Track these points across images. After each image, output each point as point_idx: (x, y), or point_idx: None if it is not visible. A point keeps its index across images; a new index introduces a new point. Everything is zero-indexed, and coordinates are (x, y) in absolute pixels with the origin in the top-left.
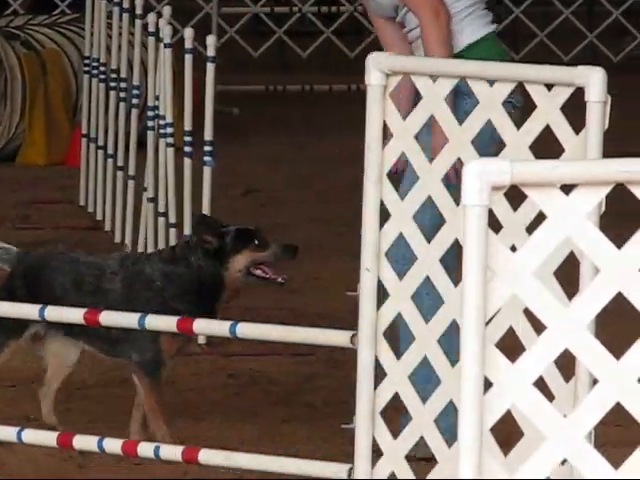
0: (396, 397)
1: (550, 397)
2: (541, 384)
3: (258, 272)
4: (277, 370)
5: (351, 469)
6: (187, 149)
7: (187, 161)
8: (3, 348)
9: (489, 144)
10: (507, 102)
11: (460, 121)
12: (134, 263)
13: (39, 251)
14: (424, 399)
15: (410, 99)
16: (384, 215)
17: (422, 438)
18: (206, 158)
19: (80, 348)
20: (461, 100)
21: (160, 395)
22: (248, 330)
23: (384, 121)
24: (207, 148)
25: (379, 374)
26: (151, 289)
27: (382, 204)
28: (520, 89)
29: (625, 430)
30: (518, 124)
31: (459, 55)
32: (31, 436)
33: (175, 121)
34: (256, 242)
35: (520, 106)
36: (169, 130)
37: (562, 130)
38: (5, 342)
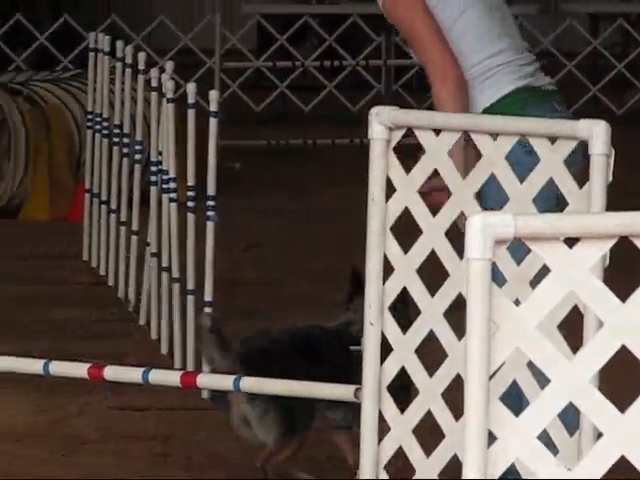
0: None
1: (554, 451)
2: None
3: None
4: None
5: None
6: (190, 204)
7: (190, 216)
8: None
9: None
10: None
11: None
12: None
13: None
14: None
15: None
16: (387, 269)
17: None
18: (209, 213)
19: None
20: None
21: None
22: (251, 384)
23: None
24: (210, 203)
25: (383, 428)
26: None
27: (385, 258)
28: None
29: None
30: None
31: None
32: None
33: (178, 176)
34: None
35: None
36: (172, 185)
37: (565, 183)
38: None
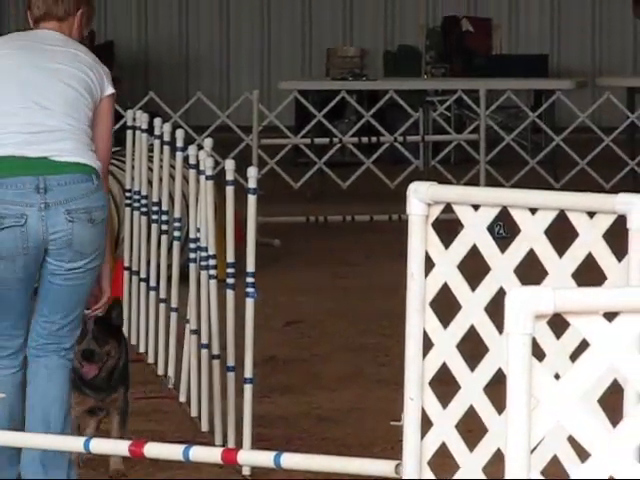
0: None
1: None
2: None
3: None
4: None
5: None
6: (229, 281)
7: (230, 293)
8: None
9: None
10: None
11: None
12: None
13: None
14: None
15: None
16: (427, 344)
17: None
18: (248, 289)
19: None
20: None
21: None
22: (292, 461)
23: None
24: (249, 280)
25: None
26: None
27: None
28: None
29: None
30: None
31: None
32: None
33: (217, 253)
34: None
35: None
36: (211, 262)
37: (604, 258)
38: None
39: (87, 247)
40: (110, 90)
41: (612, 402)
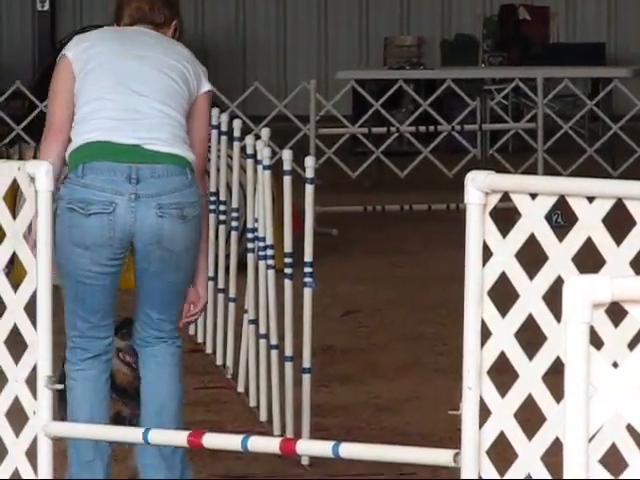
0: None
1: None
2: None
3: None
4: None
5: None
6: (287, 271)
7: (288, 282)
8: None
9: None
10: None
11: None
12: None
13: None
14: None
15: None
16: (485, 333)
17: None
18: (306, 279)
19: None
20: None
21: None
22: (351, 450)
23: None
24: (307, 269)
25: None
26: None
27: (483, 322)
28: None
29: None
30: None
31: None
32: None
33: (275, 243)
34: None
35: None
36: (269, 252)
37: None
38: None
39: (177, 244)
40: (207, 87)
41: None
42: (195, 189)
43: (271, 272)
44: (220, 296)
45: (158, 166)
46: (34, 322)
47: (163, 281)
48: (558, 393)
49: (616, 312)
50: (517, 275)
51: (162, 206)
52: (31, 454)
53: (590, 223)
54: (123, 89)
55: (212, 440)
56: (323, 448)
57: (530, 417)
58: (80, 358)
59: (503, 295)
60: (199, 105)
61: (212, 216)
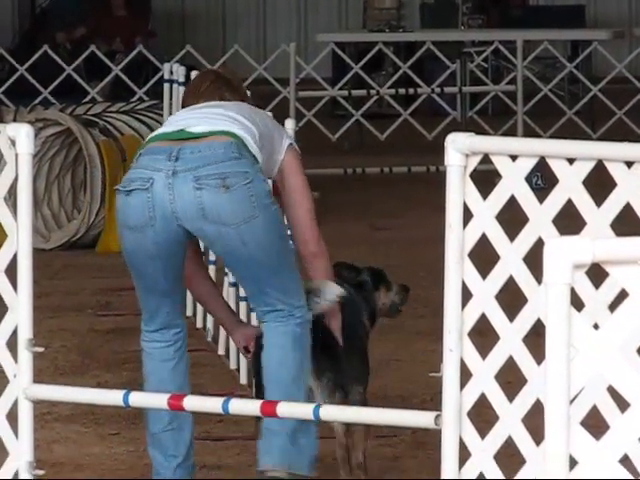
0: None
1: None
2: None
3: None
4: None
5: None
6: None
7: None
8: None
9: None
10: None
11: None
12: None
13: None
14: None
15: None
16: (465, 295)
17: None
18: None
19: None
20: None
21: None
22: (331, 412)
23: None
24: (288, 232)
25: (463, 455)
26: None
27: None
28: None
29: None
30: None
31: None
32: None
33: None
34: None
35: None
36: None
37: None
38: None
39: (228, 216)
40: (288, 141)
41: None
42: (245, 161)
43: None
44: None
45: (200, 144)
46: (15, 285)
47: (239, 260)
48: (539, 355)
49: (597, 274)
50: (497, 237)
51: (199, 178)
52: (12, 417)
53: (570, 185)
54: (206, 113)
55: (193, 403)
56: (304, 411)
57: (511, 379)
58: (148, 329)
59: (484, 257)
60: (287, 162)
61: None
